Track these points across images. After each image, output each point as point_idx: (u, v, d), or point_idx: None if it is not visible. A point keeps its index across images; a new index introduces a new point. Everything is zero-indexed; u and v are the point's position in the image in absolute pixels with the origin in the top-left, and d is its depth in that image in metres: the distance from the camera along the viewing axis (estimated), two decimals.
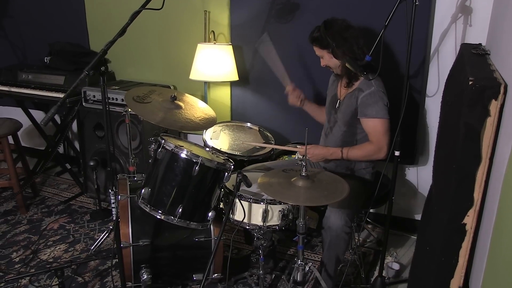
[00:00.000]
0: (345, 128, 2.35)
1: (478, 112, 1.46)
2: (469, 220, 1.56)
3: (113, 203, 2.17)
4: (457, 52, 2.54)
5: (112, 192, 2.05)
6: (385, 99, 2.22)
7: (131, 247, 2.18)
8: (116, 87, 3.26)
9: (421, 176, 2.94)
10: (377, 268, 2.53)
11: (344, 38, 2.21)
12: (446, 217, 1.62)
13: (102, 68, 1.77)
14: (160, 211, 2.07)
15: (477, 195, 1.53)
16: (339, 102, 2.39)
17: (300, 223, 1.98)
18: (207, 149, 2.44)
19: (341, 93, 2.42)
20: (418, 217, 3.04)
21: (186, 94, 2.52)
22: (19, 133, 3.44)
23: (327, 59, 2.32)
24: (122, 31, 1.81)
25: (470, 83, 1.45)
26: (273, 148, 2.76)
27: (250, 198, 2.13)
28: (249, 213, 2.14)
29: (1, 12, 4.01)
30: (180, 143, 2.20)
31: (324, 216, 2.21)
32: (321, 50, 2.31)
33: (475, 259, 1.62)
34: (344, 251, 2.25)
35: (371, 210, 3.09)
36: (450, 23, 2.56)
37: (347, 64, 2.12)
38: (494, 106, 1.43)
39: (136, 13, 1.85)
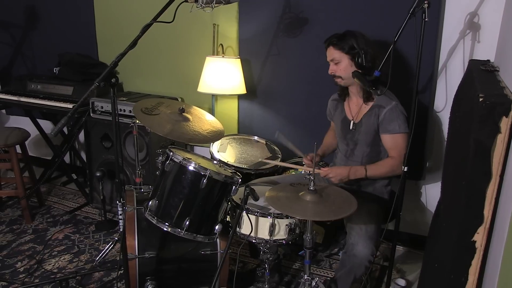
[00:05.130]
0: (368, 149, 2.32)
1: (489, 128, 1.45)
2: (479, 237, 1.54)
3: (120, 214, 2.16)
4: (465, 68, 2.54)
5: (119, 204, 2.04)
6: (405, 113, 2.21)
7: (137, 259, 2.17)
8: (124, 99, 3.28)
9: (429, 192, 2.92)
10: (384, 284, 2.51)
11: (370, 47, 2.18)
12: (455, 234, 1.61)
13: (113, 80, 1.78)
14: (167, 223, 2.07)
15: (487, 212, 1.51)
16: (354, 123, 2.35)
17: (307, 238, 1.96)
18: (215, 162, 2.44)
19: (352, 113, 2.38)
20: (424, 233, 3.01)
21: (194, 107, 2.53)
22: (26, 142, 3.46)
23: (344, 66, 2.22)
24: (133, 44, 1.82)
25: (481, 99, 1.45)
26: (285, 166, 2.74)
27: (257, 212, 2.12)
28: (256, 226, 2.13)
29: (12, 23, 4.06)
30: (188, 155, 2.20)
31: (349, 242, 2.14)
32: (342, 54, 2.21)
33: (485, 277, 1.60)
34: (362, 275, 2.20)
35: None
36: (458, 39, 2.57)
37: (355, 79, 2.12)
38: (504, 123, 1.42)
39: (148, 26, 1.87)
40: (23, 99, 3.54)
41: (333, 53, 2.25)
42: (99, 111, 3.29)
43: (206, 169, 2.04)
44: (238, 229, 2.16)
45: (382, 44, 2.56)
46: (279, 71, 3.14)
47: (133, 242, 2.18)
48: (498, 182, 1.48)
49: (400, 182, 2.21)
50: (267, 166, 2.74)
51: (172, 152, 2.11)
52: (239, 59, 3.10)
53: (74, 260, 2.85)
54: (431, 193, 2.90)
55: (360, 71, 2.17)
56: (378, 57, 2.17)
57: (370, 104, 2.28)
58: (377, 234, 2.16)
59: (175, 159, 2.09)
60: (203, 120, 2.44)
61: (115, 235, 3.14)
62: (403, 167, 2.15)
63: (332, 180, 2.27)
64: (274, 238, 2.14)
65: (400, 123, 2.19)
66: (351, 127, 2.37)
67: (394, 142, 2.23)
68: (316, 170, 2.45)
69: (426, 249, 2.48)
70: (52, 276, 2.64)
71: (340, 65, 2.24)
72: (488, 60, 2.33)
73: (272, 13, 3.03)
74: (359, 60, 2.19)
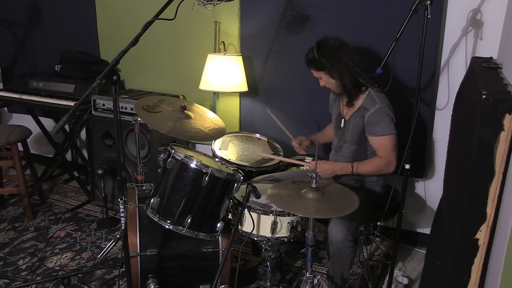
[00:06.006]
0: (355, 147, 2.34)
1: (492, 126, 1.45)
2: (482, 235, 1.53)
3: (122, 212, 2.16)
4: (468, 65, 2.53)
5: (121, 201, 2.04)
6: (391, 114, 2.20)
7: (139, 257, 2.17)
8: (126, 96, 3.28)
9: (430, 190, 2.92)
10: (385, 282, 2.50)
11: (339, 58, 2.19)
12: (458, 232, 1.60)
13: (114, 77, 1.77)
14: (168, 221, 2.07)
15: (490, 210, 1.51)
16: (345, 121, 2.38)
17: (309, 235, 1.96)
18: (216, 159, 2.44)
19: (344, 111, 2.41)
20: (426, 230, 3.01)
21: (196, 104, 2.52)
22: (28, 140, 3.46)
23: (325, 80, 2.30)
24: (135, 41, 1.81)
25: (484, 96, 1.44)
26: (281, 161, 2.74)
27: (259, 210, 2.12)
28: (258, 224, 2.13)
29: (15, 21, 4.06)
30: (190, 153, 2.20)
31: (328, 229, 2.21)
32: (318, 72, 2.29)
33: (488, 275, 1.60)
34: (349, 266, 2.22)
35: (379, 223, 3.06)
36: (460, 36, 2.56)
37: (359, 78, 2.12)
38: (508, 120, 1.42)
39: (149, 23, 1.86)
40: (24, 96, 3.54)
41: (313, 72, 2.33)
42: (101, 108, 3.28)
43: (208, 166, 2.04)
44: (240, 226, 2.16)
45: (384, 41, 2.56)
46: (280, 68, 3.13)
47: (135, 240, 2.18)
48: (501, 180, 1.48)
49: (400, 179, 2.20)
50: (269, 163, 2.73)
51: (174, 149, 2.11)
52: (241, 57, 3.09)
53: (76, 258, 2.85)
54: (433, 191, 2.89)
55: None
56: (360, 59, 2.21)
57: (358, 104, 2.29)
58: (355, 219, 2.19)
59: (177, 157, 2.08)
60: (205, 117, 2.44)
61: (116, 233, 3.15)
62: (405, 165, 2.15)
63: (319, 175, 2.30)
64: (276, 235, 2.14)
65: (384, 126, 2.19)
66: (342, 125, 2.40)
67: (380, 143, 2.24)
68: (305, 163, 2.48)
69: (428, 246, 2.48)
70: (54, 274, 2.65)
71: (323, 80, 2.31)
72: (491, 57, 2.32)
73: (274, 10, 3.02)
74: (333, 73, 2.23)
